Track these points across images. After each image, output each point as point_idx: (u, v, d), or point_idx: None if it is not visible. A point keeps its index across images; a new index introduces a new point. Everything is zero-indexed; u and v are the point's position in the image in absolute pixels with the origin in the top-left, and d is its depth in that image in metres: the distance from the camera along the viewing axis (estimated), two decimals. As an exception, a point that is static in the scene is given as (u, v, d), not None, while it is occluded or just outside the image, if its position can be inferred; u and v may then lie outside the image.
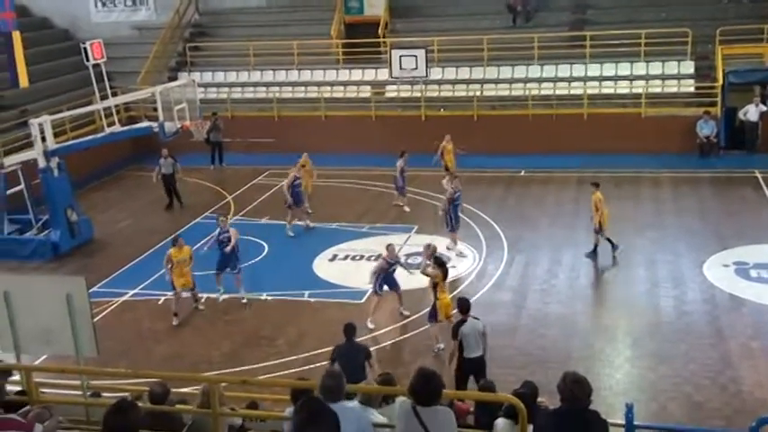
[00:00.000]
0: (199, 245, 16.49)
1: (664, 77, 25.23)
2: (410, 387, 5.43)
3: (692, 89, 24.87)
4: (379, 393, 6.68)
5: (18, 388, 7.52)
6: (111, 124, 20.40)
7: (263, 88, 28.00)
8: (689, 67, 25.21)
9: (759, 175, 21.41)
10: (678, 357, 12.51)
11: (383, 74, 26.97)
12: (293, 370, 12.39)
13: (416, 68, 25.36)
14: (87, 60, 19.07)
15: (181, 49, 30.05)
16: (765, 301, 14.31)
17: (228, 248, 15.08)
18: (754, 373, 12.00)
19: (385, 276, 14.17)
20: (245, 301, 15.27)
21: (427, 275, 13.04)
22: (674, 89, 24.95)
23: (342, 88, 27.57)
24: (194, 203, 21.79)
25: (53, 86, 26.63)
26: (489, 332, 11.36)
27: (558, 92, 25.51)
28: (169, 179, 21.45)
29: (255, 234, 18.81)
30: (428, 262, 13.39)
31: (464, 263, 16.78)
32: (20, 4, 26.50)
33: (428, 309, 13.11)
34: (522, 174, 23.12)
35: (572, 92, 25.31)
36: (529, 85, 25.79)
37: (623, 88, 25.27)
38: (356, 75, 27.97)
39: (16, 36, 18.65)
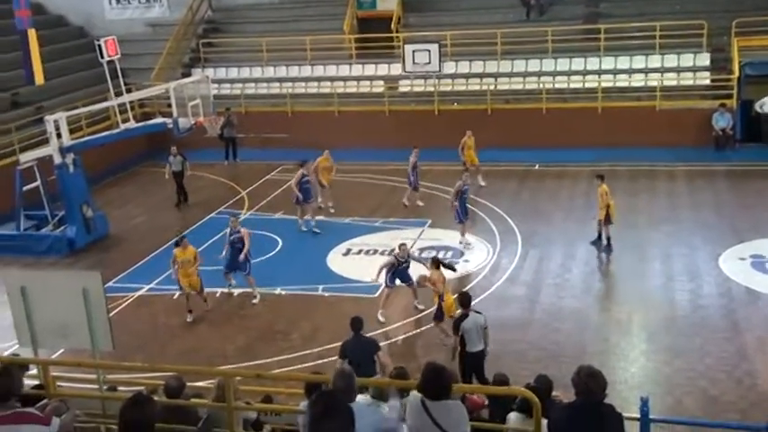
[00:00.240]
0: (214, 251, 16.37)
1: (679, 70, 25.04)
2: (419, 382, 5.45)
3: (707, 81, 24.65)
4: (391, 387, 6.68)
5: (35, 382, 7.60)
6: (125, 120, 20.52)
7: (277, 84, 28.04)
8: (704, 59, 25.00)
9: (775, 168, 21.25)
10: (693, 351, 12.44)
11: (396, 68, 26.91)
12: (307, 364, 12.42)
13: (429, 63, 25.29)
14: (102, 57, 19.16)
15: (194, 45, 30.14)
16: (782, 294, 14.20)
17: (242, 257, 15.06)
18: (771, 367, 11.93)
19: (396, 271, 14.17)
20: (255, 301, 15.28)
21: (432, 283, 13.06)
22: (690, 81, 24.75)
23: (355, 83, 27.57)
24: (208, 199, 21.88)
25: (68, 83, 26.79)
26: (501, 326, 11.35)
27: (572, 85, 25.40)
28: (178, 177, 21.48)
29: (269, 229, 18.87)
30: (426, 275, 13.40)
31: (478, 257, 16.76)
32: (35, 1, 26.69)
33: (434, 308, 13.19)
34: (537, 168, 23.04)
35: (586, 85, 25.18)
36: (543, 78, 25.67)
37: (638, 81, 25.11)
38: (369, 70, 27.93)
39: (32, 33, 18.78)
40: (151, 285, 16.24)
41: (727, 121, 23.19)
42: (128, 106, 20.65)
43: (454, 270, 14.02)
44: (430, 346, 13.09)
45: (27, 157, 19.11)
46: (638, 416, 6.84)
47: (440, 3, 29.77)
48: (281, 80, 28.17)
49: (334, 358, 11.33)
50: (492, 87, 25.66)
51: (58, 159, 18.44)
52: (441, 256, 16.48)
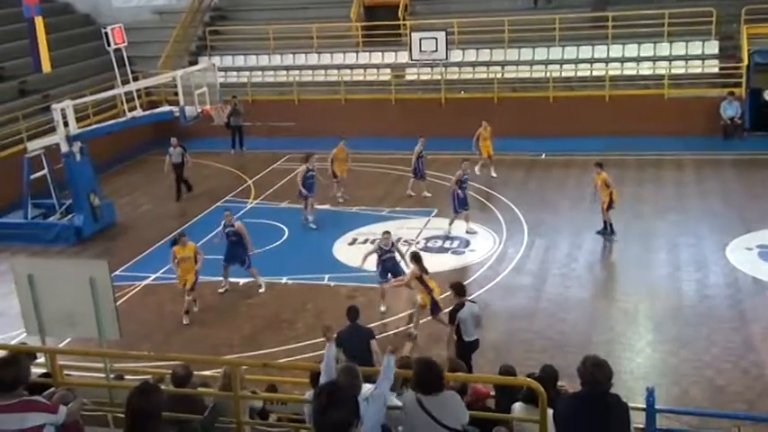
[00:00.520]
0: (207, 238, 16.33)
1: (687, 58, 24.89)
2: (413, 379, 5.51)
3: (716, 69, 24.49)
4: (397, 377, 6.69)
5: (43, 370, 7.64)
6: (132, 109, 20.54)
7: (283, 72, 28.00)
8: (713, 46, 24.83)
9: (784, 158, 21.13)
10: (700, 341, 12.42)
11: (403, 57, 26.84)
12: (313, 353, 12.44)
13: (436, 51, 25.21)
14: (108, 45, 19.13)
15: (201, 33, 30.10)
16: (789, 284, 14.16)
17: (250, 253, 15.09)
18: (778, 357, 11.90)
19: (383, 263, 14.06)
20: (261, 290, 15.29)
21: (410, 285, 13.07)
22: (698, 70, 24.61)
23: (361, 71, 27.50)
24: (215, 188, 21.89)
25: (75, 71, 26.80)
26: (507, 316, 11.33)
27: (579, 73, 25.27)
28: (178, 168, 21.25)
29: (276, 218, 18.88)
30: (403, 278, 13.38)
31: (484, 246, 16.74)
32: (41, -11, 26.65)
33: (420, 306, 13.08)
34: (543, 157, 22.97)
35: (594, 73, 25.05)
36: (550, 66, 25.55)
37: (646, 69, 24.96)
38: (376, 58, 27.85)
39: (39, 21, 18.76)
40: (158, 274, 16.26)
41: (736, 110, 23.05)
42: (134, 94, 20.66)
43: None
44: (432, 339, 13.00)
45: (34, 146, 19.16)
46: (644, 406, 6.82)
47: (447, -10, 29.64)
48: (287, 68, 28.12)
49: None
50: (499, 76, 25.56)
51: (65, 148, 18.47)
52: (447, 245, 16.48)
